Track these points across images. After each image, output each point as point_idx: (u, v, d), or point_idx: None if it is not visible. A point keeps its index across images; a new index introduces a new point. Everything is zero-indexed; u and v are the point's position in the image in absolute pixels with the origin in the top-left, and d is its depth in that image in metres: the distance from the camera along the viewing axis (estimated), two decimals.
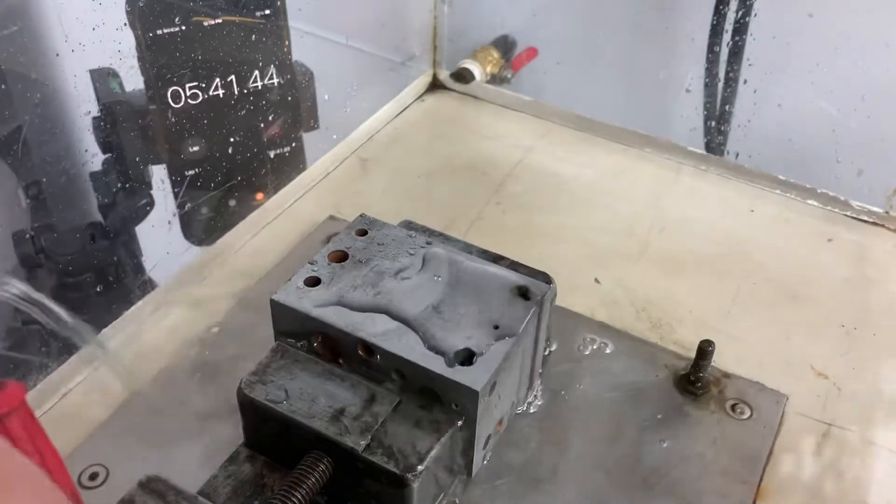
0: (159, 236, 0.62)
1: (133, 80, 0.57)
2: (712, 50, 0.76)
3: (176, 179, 0.61)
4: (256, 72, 0.62)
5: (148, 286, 0.60)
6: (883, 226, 0.70)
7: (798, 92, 0.75)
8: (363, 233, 0.47)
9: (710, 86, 0.78)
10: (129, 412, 0.51)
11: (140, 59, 0.56)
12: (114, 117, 0.56)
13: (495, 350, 0.41)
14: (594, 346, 0.56)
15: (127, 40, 0.55)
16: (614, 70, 0.86)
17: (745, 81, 0.77)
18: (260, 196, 0.68)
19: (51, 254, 0.55)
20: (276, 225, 0.68)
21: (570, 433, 0.50)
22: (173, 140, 0.60)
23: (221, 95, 0.61)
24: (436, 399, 0.40)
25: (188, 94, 0.59)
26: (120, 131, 0.57)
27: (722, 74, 0.77)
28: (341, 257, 0.46)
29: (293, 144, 0.68)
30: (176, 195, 0.62)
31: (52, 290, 0.56)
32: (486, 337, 0.41)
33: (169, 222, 0.62)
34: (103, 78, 0.55)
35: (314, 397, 0.41)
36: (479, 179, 0.74)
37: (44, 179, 0.54)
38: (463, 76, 0.85)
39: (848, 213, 0.71)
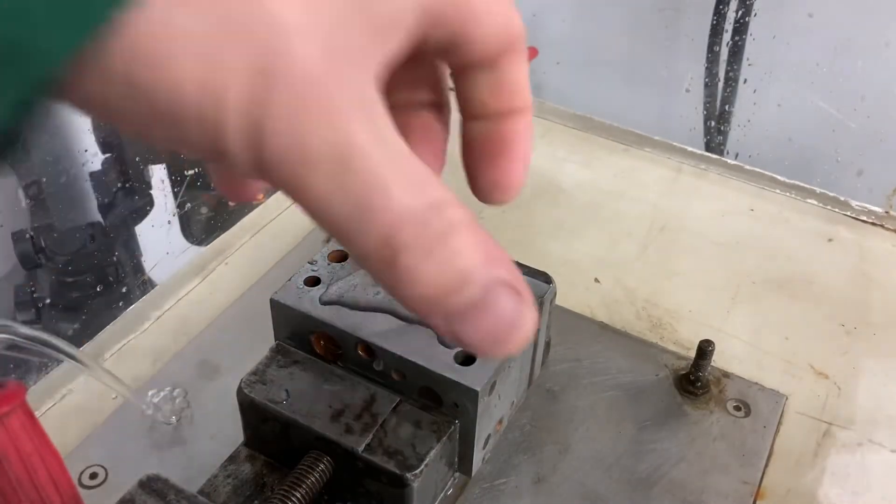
0: (159, 236, 0.62)
1: None
2: (712, 50, 0.76)
3: (176, 179, 0.61)
4: None
5: (148, 286, 0.60)
6: (882, 226, 0.70)
7: (798, 92, 0.75)
8: None
9: (710, 86, 0.78)
10: (130, 412, 0.51)
11: None
12: None
13: None
14: (594, 346, 0.56)
15: None
16: (614, 70, 0.86)
17: (745, 81, 0.77)
18: (260, 196, 0.68)
19: (51, 254, 0.55)
20: (275, 224, 0.68)
21: (570, 433, 0.50)
22: None
23: None
24: (436, 399, 0.40)
25: None
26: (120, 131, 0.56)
27: (722, 74, 0.77)
28: (341, 257, 0.46)
29: None
30: (176, 195, 0.62)
31: (52, 289, 0.56)
32: None
33: (169, 222, 0.62)
34: None
35: (314, 397, 0.41)
36: None
37: (44, 179, 0.54)
38: None
39: (848, 213, 0.71)
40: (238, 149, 0.19)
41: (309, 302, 0.43)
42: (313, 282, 0.44)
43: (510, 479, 0.48)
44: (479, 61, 0.24)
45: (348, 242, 0.21)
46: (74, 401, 0.53)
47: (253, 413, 0.42)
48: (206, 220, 0.64)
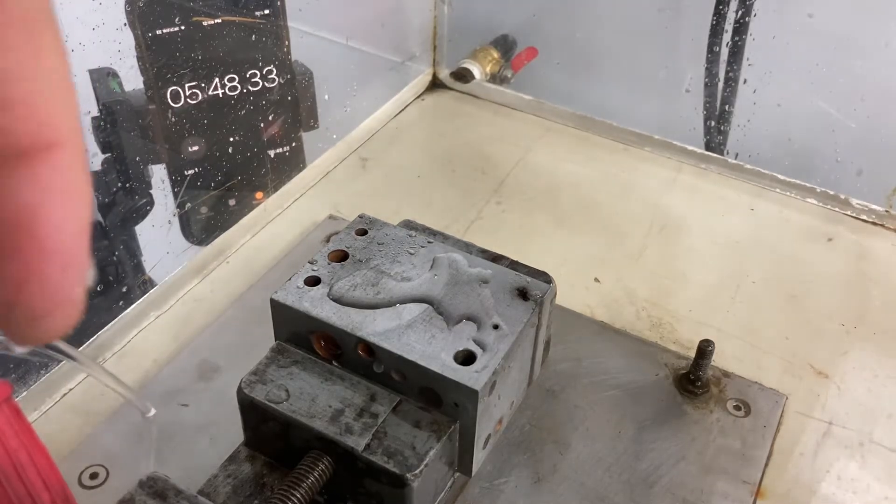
0: (159, 236, 0.62)
1: (133, 80, 0.57)
2: (712, 50, 0.76)
3: (176, 179, 0.61)
4: (256, 72, 0.62)
5: (148, 286, 0.60)
6: (883, 225, 0.70)
7: (798, 92, 0.75)
8: (363, 232, 0.47)
9: (709, 86, 0.78)
10: (130, 412, 0.51)
11: (140, 59, 0.56)
12: (113, 117, 0.56)
13: (495, 350, 0.41)
14: (594, 346, 0.56)
15: (127, 40, 0.55)
16: (614, 70, 0.86)
17: (745, 81, 0.77)
18: (260, 195, 0.68)
19: None
20: (275, 224, 0.68)
21: (570, 432, 0.50)
22: (173, 140, 0.60)
23: (221, 95, 0.61)
24: (436, 399, 0.40)
25: (188, 93, 0.59)
26: (119, 131, 0.57)
27: (722, 74, 0.77)
28: (341, 257, 0.46)
29: (293, 144, 0.68)
30: (176, 195, 0.62)
31: None
32: (485, 337, 0.41)
33: (169, 222, 0.62)
34: (103, 78, 0.55)
35: (314, 397, 0.41)
36: (479, 179, 0.74)
37: None
38: (463, 76, 0.85)
39: (848, 213, 0.71)
40: None
41: (309, 301, 0.43)
42: (313, 282, 0.44)
43: (510, 479, 0.48)
44: None
45: None
46: (74, 401, 0.53)
47: (253, 413, 0.42)
48: (206, 220, 0.64)
